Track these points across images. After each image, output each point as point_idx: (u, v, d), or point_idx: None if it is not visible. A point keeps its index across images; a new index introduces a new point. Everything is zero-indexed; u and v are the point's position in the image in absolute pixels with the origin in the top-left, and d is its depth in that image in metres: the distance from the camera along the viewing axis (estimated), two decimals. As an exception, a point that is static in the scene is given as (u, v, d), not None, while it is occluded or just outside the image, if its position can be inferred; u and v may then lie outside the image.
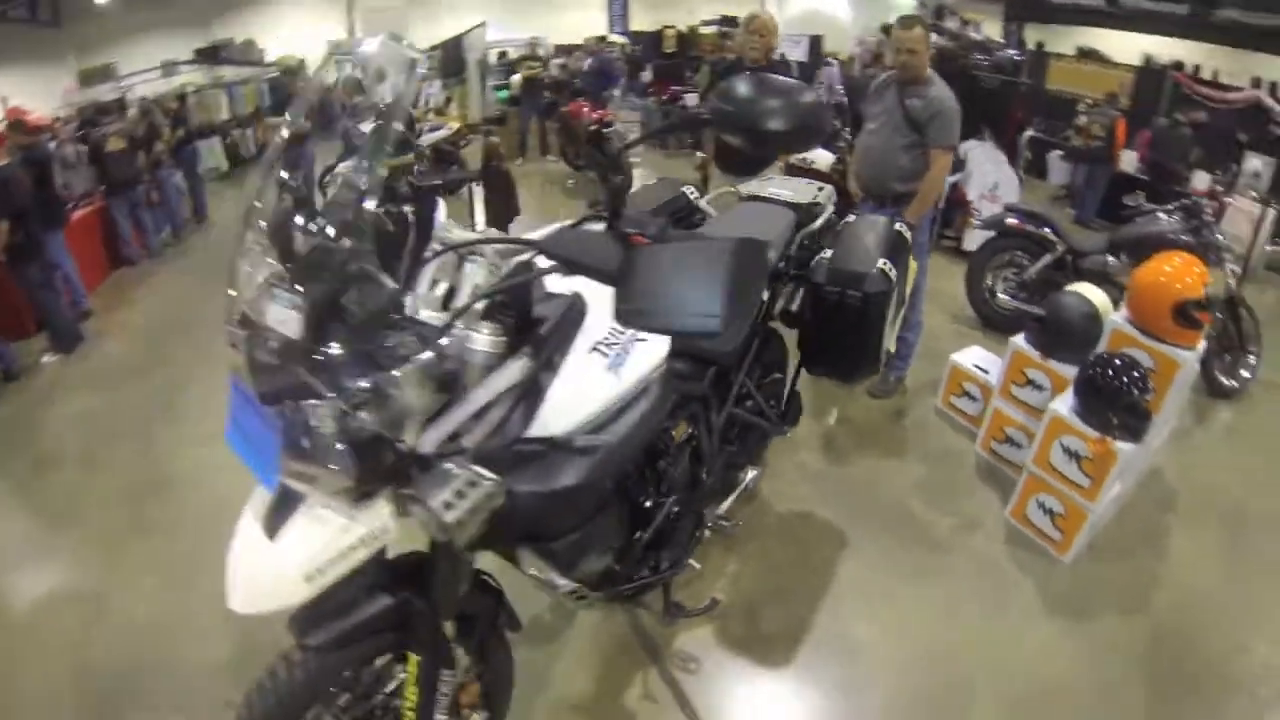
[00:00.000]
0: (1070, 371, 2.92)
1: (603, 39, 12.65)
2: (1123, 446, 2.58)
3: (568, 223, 1.53)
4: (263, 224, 1.17)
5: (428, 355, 1.13)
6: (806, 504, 3.03)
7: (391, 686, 1.49)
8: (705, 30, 12.38)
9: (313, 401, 1.09)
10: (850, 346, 2.21)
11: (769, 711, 2.19)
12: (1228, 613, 2.64)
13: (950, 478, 3.28)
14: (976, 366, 3.57)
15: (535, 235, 1.43)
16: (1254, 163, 6.39)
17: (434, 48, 10.63)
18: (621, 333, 1.46)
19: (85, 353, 4.87)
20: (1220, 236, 4.10)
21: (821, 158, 5.94)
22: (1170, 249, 3.31)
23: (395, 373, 1.10)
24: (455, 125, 7.98)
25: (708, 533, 2.21)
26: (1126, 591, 2.70)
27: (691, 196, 2.53)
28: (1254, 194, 5.90)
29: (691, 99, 9.29)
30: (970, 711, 2.20)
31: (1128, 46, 9.12)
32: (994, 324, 4.68)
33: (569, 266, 1.16)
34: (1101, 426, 2.61)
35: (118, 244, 6.39)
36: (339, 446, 1.08)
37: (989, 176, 6.04)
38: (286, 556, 1.15)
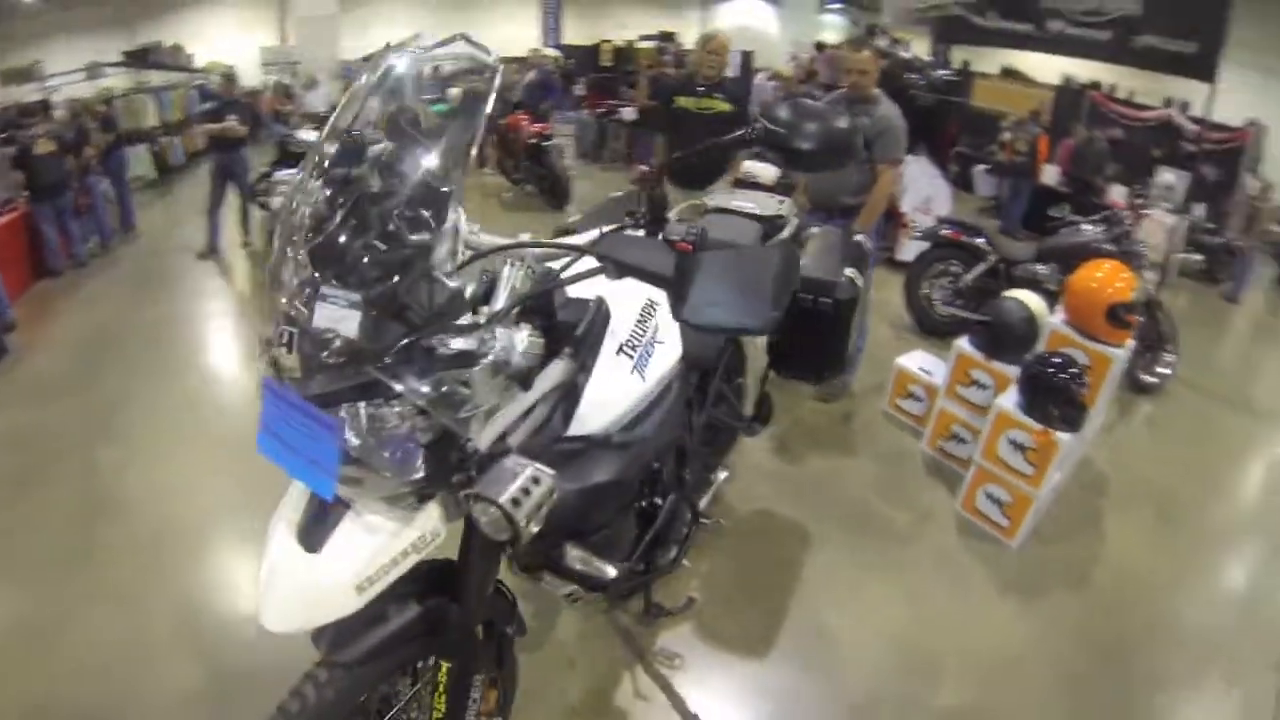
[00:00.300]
0: (1012, 371, 3.12)
1: (534, 52, 12.67)
2: (1063, 437, 2.78)
3: (608, 228, 1.56)
4: (303, 226, 1.15)
5: (497, 352, 1.13)
6: (768, 503, 3.14)
7: (406, 698, 1.45)
8: (643, 45, 12.55)
9: (379, 401, 1.08)
10: (821, 350, 2.32)
11: (754, 698, 2.26)
12: (1161, 583, 2.91)
13: (901, 474, 3.45)
14: (921, 369, 3.76)
15: (574, 240, 1.45)
16: (1166, 176, 6.91)
17: (364, 59, 10.47)
18: (641, 335, 1.52)
19: (10, 368, 4.60)
20: (1139, 245, 4.43)
21: (766, 172, 6.11)
22: (1096, 257, 3.58)
23: (473, 370, 1.10)
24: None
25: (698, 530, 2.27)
26: (1071, 570, 2.92)
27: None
28: (1167, 205, 6.38)
29: (628, 113, 9.34)
30: (939, 685, 2.34)
31: (1048, 66, 9.71)
32: (932, 330, 4.92)
33: (622, 270, 1.18)
34: (1043, 419, 2.81)
35: (43, 253, 6.05)
36: (410, 446, 1.08)
37: (923, 190, 6.33)
38: (335, 568, 1.11)
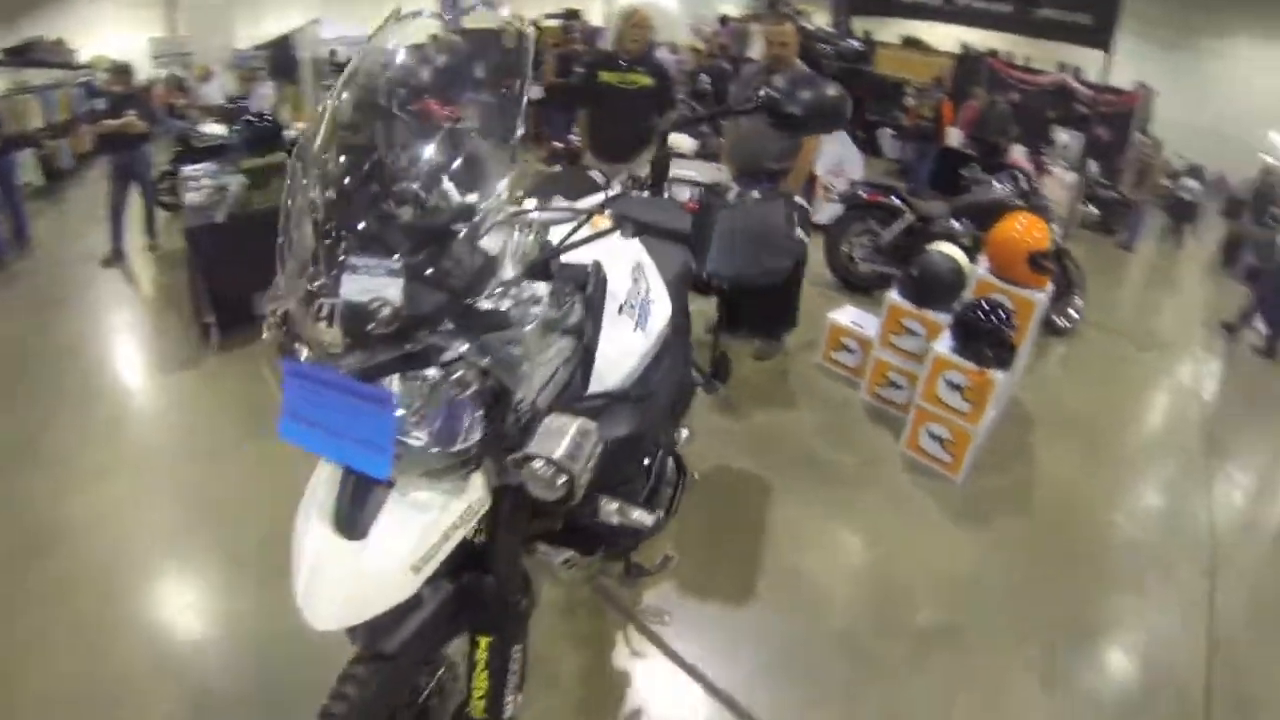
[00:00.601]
0: (942, 318, 3.33)
1: (435, 38, 12.28)
2: (997, 375, 3.00)
3: (613, 192, 1.57)
4: (324, 200, 1.10)
5: (543, 312, 1.12)
6: (725, 459, 3.25)
7: (435, 683, 1.43)
8: (548, 24, 12.40)
9: (432, 370, 1.05)
10: (777, 307, 2.42)
11: (746, 643, 2.36)
12: (1092, 499, 3.25)
13: (844, 422, 3.64)
14: (853, 323, 3.95)
15: (582, 205, 1.44)
16: (1063, 137, 7.42)
17: (259, 47, 9.95)
18: (637, 295, 1.56)
19: (-96, 395, 4.23)
20: (1045, 200, 4.76)
21: (684, 143, 6.22)
22: (1008, 212, 3.84)
23: (526, 329, 1.09)
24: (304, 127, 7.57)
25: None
26: (1012, 497, 3.19)
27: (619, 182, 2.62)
28: (1064, 164, 6.84)
29: (534, 91, 9.19)
30: (913, 608, 2.54)
31: (947, 35, 10.18)
32: (854, 286, 5.15)
33: (643, 229, 1.22)
34: (977, 360, 3.02)
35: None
36: (462, 413, 1.05)
37: (835, 155, 6.57)
38: (386, 551, 1.06)
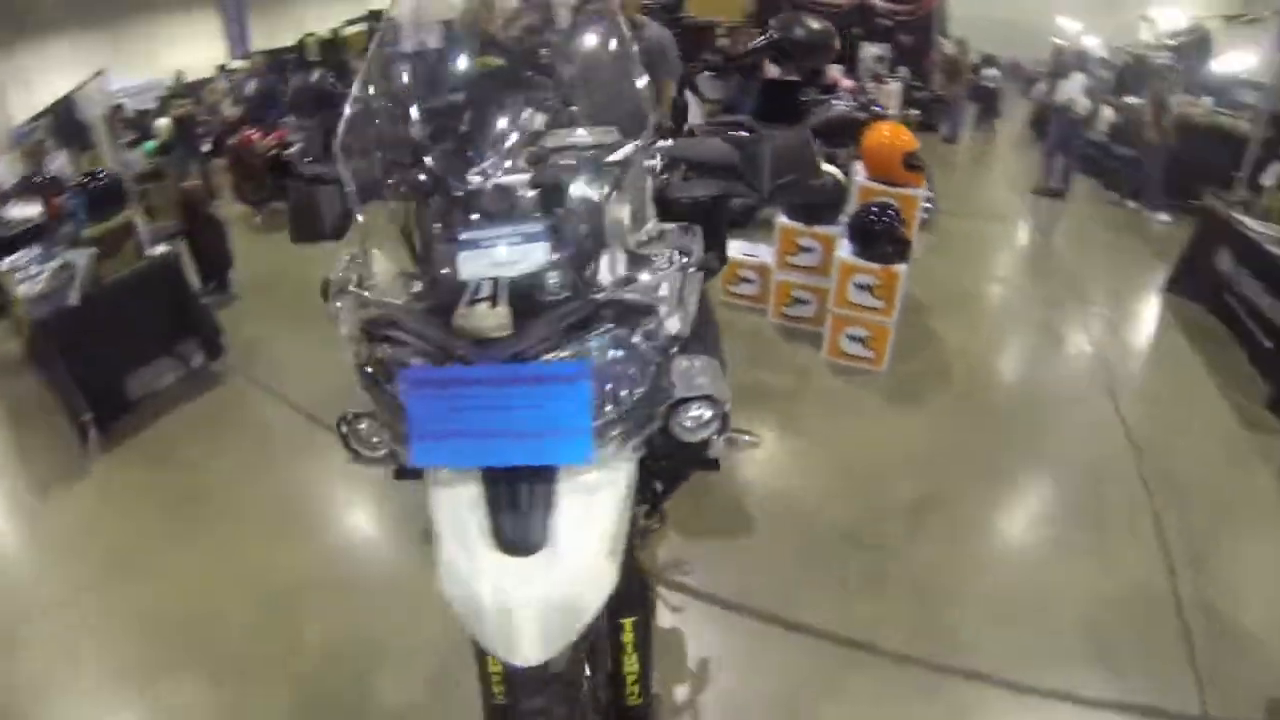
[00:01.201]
0: (832, 230, 3.59)
1: (222, 68, 11.29)
2: (900, 268, 3.28)
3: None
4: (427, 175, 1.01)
5: (683, 254, 1.04)
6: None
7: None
8: (352, 30, 11.76)
9: (591, 335, 0.95)
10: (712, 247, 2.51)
11: (759, 565, 2.44)
12: (1001, 363, 3.72)
13: (762, 347, 3.86)
14: (745, 254, 4.14)
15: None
16: (871, 50, 7.99)
17: (37, 117, 8.79)
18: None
19: None
20: (882, 108, 5.15)
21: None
22: (856, 125, 4.14)
23: (668, 271, 1.00)
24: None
25: None
26: (930, 375, 3.56)
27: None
28: (881, 73, 7.41)
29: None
30: (888, 486, 2.79)
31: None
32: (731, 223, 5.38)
33: (697, 167, 1.23)
34: (880, 258, 3.29)
35: None
36: (635, 372, 0.97)
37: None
38: (578, 549, 0.94)
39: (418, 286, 1.02)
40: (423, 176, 1.02)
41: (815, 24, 1.67)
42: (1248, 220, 4.54)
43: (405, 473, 1.16)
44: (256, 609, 2.30)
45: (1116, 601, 2.27)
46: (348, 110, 1.04)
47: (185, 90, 9.67)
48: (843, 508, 2.70)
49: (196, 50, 12.09)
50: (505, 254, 0.91)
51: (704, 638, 2.16)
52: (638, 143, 1.01)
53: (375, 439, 1.06)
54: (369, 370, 0.99)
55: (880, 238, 3.29)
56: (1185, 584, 2.34)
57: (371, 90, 1.09)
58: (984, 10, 11.21)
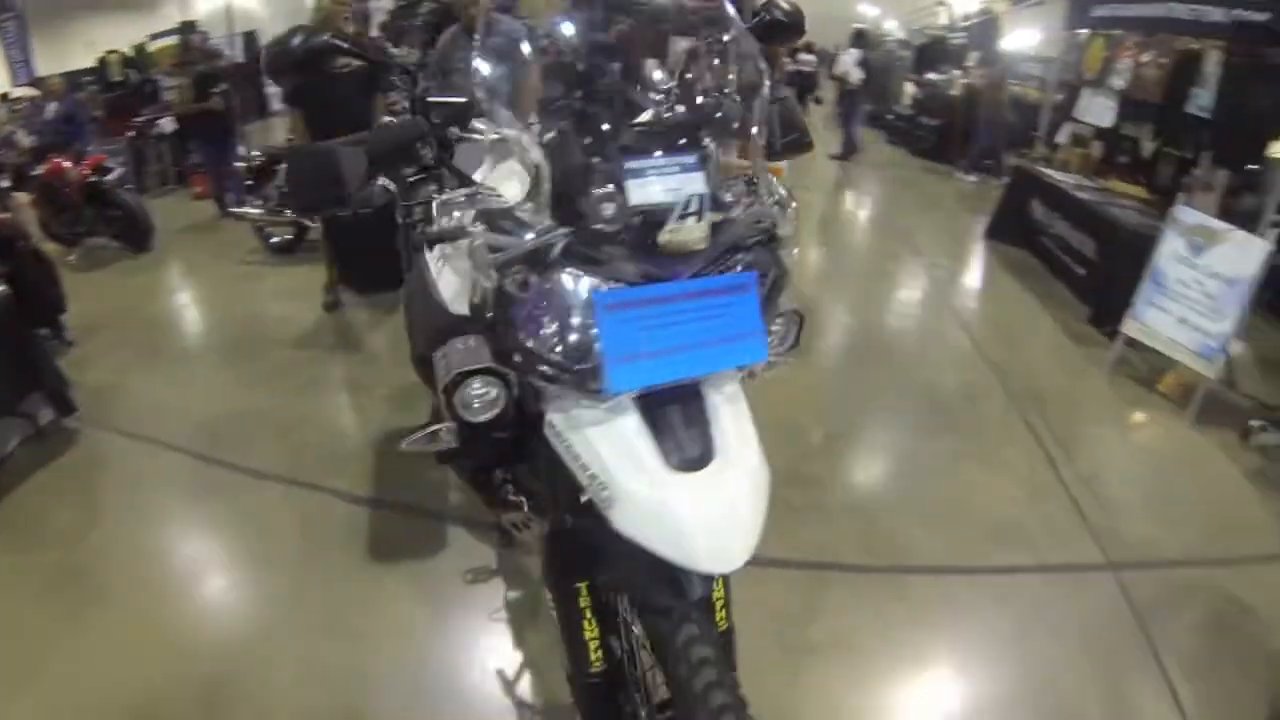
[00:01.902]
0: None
1: (4, 97, 9.91)
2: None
3: None
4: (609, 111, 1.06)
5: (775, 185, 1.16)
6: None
7: None
8: (160, 44, 10.73)
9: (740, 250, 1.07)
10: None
11: None
12: (863, 315, 4.22)
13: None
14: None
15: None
16: (681, 43, 8.75)
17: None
18: None
19: None
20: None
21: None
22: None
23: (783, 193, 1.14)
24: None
25: None
26: (806, 333, 3.90)
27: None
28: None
29: (166, 124, 7.77)
30: (782, 432, 2.96)
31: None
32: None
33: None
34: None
35: None
36: (760, 275, 1.07)
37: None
38: (742, 454, 1.00)
39: (545, 221, 1.00)
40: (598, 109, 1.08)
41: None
42: (1051, 172, 5.34)
43: (446, 456, 1.19)
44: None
45: (1015, 491, 2.62)
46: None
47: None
48: (774, 455, 2.89)
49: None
50: (674, 181, 0.98)
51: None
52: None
53: (477, 401, 1.08)
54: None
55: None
56: (1064, 468, 2.75)
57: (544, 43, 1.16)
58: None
